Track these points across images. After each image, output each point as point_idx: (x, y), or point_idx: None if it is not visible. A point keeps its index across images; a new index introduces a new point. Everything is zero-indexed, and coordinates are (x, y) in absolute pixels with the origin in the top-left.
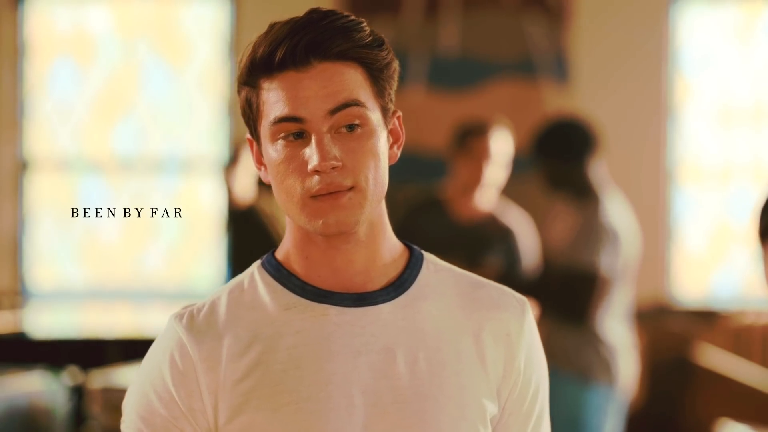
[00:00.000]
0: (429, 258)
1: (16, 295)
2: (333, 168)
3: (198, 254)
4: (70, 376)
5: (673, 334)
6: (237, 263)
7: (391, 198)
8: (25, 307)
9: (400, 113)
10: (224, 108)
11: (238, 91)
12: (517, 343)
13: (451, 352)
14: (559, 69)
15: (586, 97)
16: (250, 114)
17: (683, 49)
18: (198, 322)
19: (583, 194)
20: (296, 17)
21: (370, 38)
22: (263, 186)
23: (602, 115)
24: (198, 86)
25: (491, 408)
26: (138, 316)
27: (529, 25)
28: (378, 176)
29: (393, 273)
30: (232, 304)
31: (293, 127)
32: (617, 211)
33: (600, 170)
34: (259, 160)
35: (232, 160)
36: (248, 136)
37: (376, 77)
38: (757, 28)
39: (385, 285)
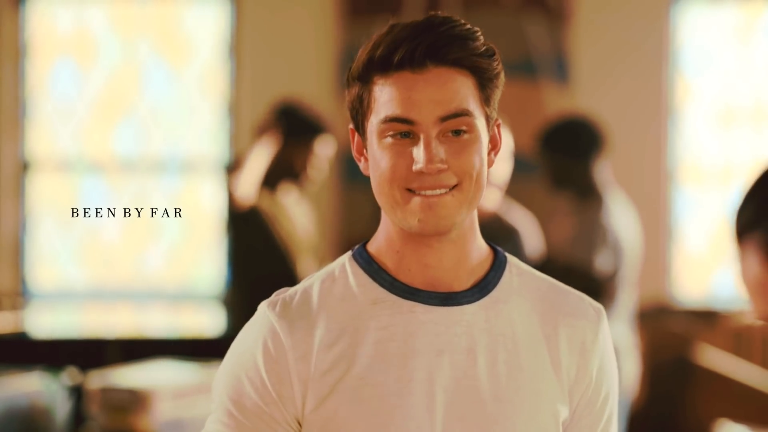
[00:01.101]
0: (512, 261)
1: (17, 295)
2: (439, 171)
3: (198, 255)
4: (69, 376)
5: (674, 334)
6: (237, 264)
7: None
8: (26, 307)
9: (500, 121)
10: (225, 108)
11: (349, 85)
12: (591, 352)
13: (528, 357)
14: (560, 69)
15: (586, 97)
16: (359, 108)
17: (684, 49)
18: (291, 311)
19: (587, 194)
20: (416, 20)
21: (484, 48)
22: (265, 187)
23: (603, 116)
24: (198, 87)
25: (564, 412)
26: (139, 316)
27: (529, 26)
28: (480, 179)
29: (479, 274)
30: (324, 293)
31: (403, 127)
32: (619, 212)
33: (605, 171)
34: (360, 152)
35: (235, 163)
36: (351, 126)
37: (485, 86)
38: (757, 29)
39: (471, 286)
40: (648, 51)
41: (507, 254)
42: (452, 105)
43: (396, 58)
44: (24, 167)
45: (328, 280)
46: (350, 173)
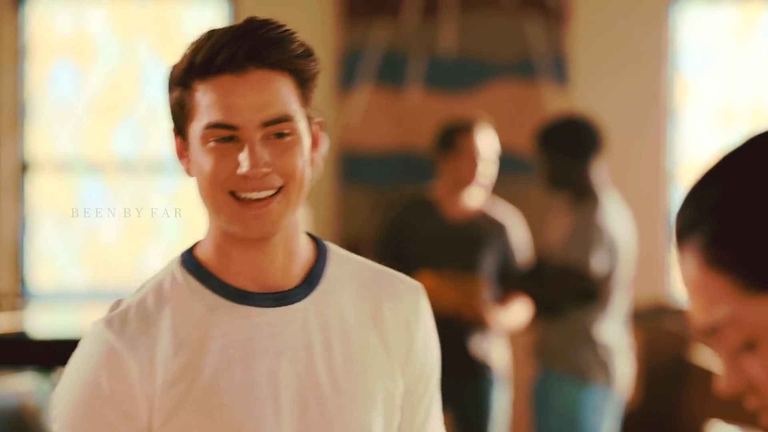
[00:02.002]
0: (333, 249)
1: (17, 296)
2: (264, 175)
3: None
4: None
5: (671, 335)
6: None
7: (386, 198)
8: (26, 308)
9: (320, 119)
10: None
11: (170, 91)
12: (416, 328)
13: (360, 343)
14: (558, 69)
15: (585, 97)
16: (180, 113)
17: (682, 49)
18: (129, 327)
19: (583, 194)
20: (235, 24)
21: (302, 49)
22: None
23: (601, 116)
24: None
25: (399, 390)
26: None
27: (528, 26)
28: (303, 180)
29: (307, 268)
30: (159, 305)
31: (226, 133)
32: (615, 212)
33: (602, 172)
34: (182, 154)
35: None
36: (173, 128)
37: (304, 86)
38: (756, 29)
39: (300, 282)
40: (647, 51)
41: (326, 242)
42: (274, 109)
43: (217, 62)
44: (23, 168)
45: (159, 291)
46: (348, 173)
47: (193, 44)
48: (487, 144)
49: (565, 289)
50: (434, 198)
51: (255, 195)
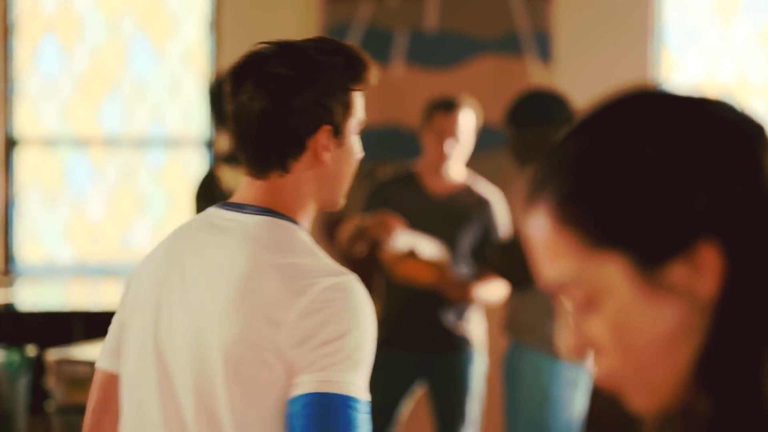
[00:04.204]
0: None
1: (5, 272)
2: None
3: None
4: (33, 349)
5: None
6: None
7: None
8: (14, 283)
9: None
10: (206, 84)
11: (330, 94)
12: None
13: None
14: (542, 45)
15: (570, 73)
16: (342, 112)
17: (668, 24)
18: None
19: None
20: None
21: None
22: (230, 164)
23: (587, 91)
24: (182, 63)
25: None
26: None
27: (512, 2)
28: None
29: None
30: None
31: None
32: None
33: None
34: (328, 147)
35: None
36: (325, 125)
37: None
38: (740, 4)
39: None
40: (632, 26)
41: None
42: None
43: (372, 77)
44: (11, 144)
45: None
46: None
47: (347, 53)
48: (466, 122)
49: (531, 263)
50: (418, 172)
51: None
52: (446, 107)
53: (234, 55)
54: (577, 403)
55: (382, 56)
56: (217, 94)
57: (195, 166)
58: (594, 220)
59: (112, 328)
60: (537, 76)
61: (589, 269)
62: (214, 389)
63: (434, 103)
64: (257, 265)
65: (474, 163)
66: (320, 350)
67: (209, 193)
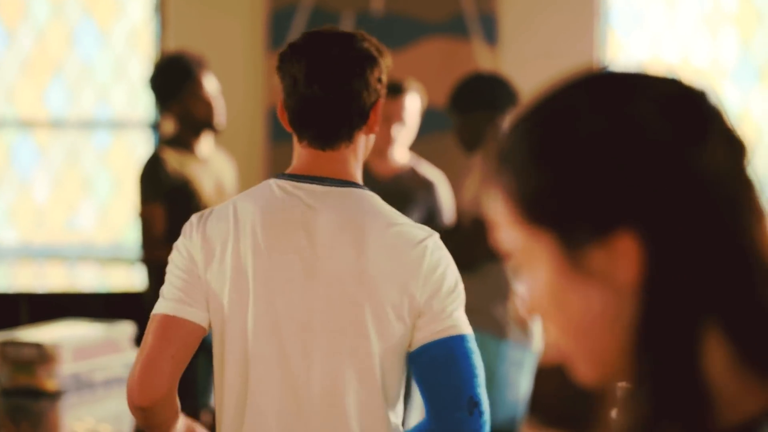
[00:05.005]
0: None
1: None
2: None
3: (129, 212)
4: None
5: None
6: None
7: None
8: None
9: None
10: (151, 66)
11: (375, 89)
12: None
13: None
14: (489, 28)
15: (515, 55)
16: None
17: (614, 6)
18: None
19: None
20: None
21: None
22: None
23: (533, 74)
24: (127, 45)
25: None
26: (69, 274)
27: None
28: None
29: None
30: None
31: None
32: None
33: None
34: (373, 128)
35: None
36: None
37: None
38: None
39: None
40: (578, 8)
41: None
42: None
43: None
44: None
45: None
46: (277, 131)
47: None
48: (412, 106)
49: (476, 244)
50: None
51: None
52: (393, 91)
53: (179, 36)
54: (522, 384)
55: None
56: (164, 76)
57: (140, 148)
58: (528, 199)
59: (175, 279)
60: (483, 58)
61: (527, 243)
62: (359, 346)
63: None
64: (374, 235)
65: (418, 145)
66: (446, 300)
67: (154, 176)
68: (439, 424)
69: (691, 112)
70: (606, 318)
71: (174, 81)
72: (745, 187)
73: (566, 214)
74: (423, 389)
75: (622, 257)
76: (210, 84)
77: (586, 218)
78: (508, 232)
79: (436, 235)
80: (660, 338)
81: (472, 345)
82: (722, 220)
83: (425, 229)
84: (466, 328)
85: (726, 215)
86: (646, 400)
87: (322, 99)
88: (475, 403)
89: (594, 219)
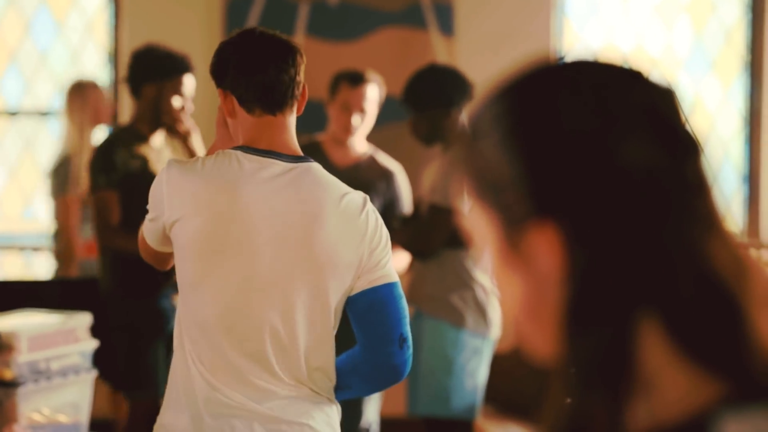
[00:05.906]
0: None
1: None
2: None
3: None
4: None
5: None
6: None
7: None
8: None
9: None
10: (105, 56)
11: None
12: None
13: None
14: (444, 18)
15: (471, 45)
16: None
17: None
18: None
19: (453, 143)
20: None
21: None
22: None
23: (489, 63)
24: (83, 35)
25: None
26: (26, 262)
27: None
28: None
29: None
30: None
31: None
32: None
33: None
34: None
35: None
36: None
37: None
38: None
39: None
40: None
41: None
42: None
43: None
44: None
45: None
46: None
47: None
48: (372, 96)
49: (434, 233)
50: (322, 142)
51: None
52: (353, 80)
53: (134, 26)
54: (481, 372)
55: (285, 28)
56: (153, 59)
57: (96, 137)
58: (477, 179)
59: (153, 225)
60: (439, 48)
61: (482, 220)
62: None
63: (341, 76)
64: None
65: (375, 135)
66: (381, 254)
67: (108, 162)
68: (372, 355)
69: (626, 104)
70: (532, 303)
71: (160, 67)
72: (683, 187)
73: (502, 200)
74: (358, 327)
75: (543, 246)
76: (188, 85)
77: (513, 208)
78: (471, 210)
79: (366, 196)
80: (583, 330)
81: (400, 291)
82: (648, 218)
83: (359, 193)
84: (395, 276)
85: (654, 213)
86: (577, 388)
87: (281, 83)
88: (404, 339)
89: (524, 203)
